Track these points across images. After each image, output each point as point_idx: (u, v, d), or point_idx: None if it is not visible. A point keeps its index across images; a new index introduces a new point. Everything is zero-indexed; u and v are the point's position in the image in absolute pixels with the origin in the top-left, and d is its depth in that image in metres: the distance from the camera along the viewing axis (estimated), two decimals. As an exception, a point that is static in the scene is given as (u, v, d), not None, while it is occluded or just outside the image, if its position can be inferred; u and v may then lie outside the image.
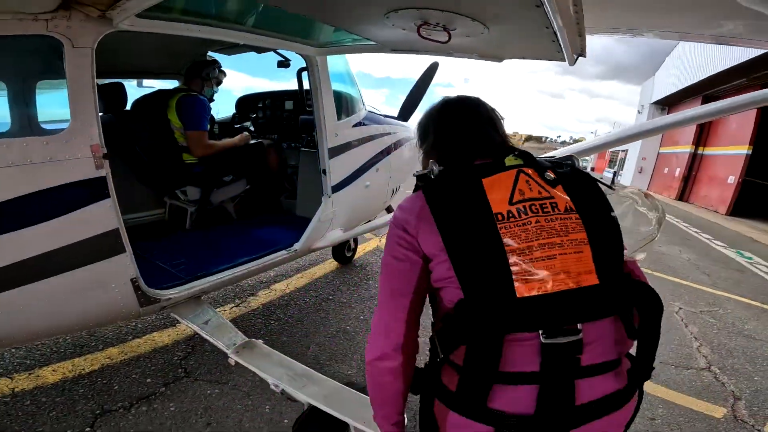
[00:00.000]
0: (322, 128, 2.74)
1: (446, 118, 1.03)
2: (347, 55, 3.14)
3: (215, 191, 3.15)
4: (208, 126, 3.01)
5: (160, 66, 3.46)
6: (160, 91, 2.97)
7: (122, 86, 2.69)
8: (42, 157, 1.47)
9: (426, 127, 1.06)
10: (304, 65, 2.79)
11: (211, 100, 3.10)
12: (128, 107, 2.92)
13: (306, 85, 3.35)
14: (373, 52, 2.50)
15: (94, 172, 1.59)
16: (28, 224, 1.47)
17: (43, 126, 1.62)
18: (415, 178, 0.97)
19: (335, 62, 2.89)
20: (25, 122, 1.66)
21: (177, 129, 2.89)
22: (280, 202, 3.67)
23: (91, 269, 1.67)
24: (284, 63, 3.24)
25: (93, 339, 2.60)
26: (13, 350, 2.38)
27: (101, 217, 1.65)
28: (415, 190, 0.95)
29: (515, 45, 1.91)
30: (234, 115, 3.97)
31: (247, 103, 3.94)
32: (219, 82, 3.13)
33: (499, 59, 2.23)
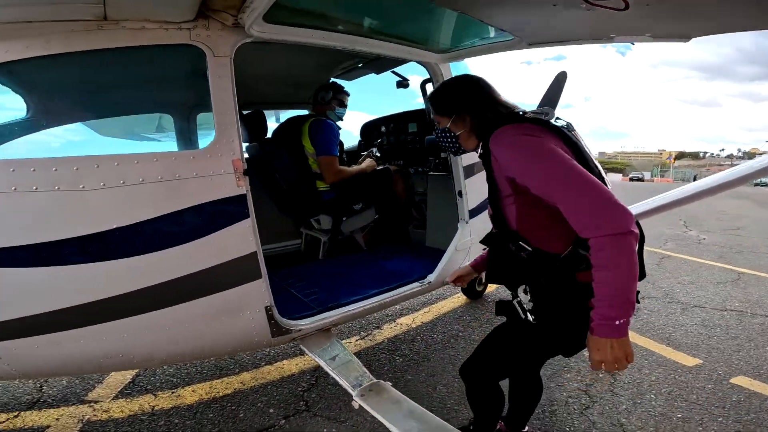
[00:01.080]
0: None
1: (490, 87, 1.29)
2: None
3: (346, 220, 3.07)
4: (338, 151, 2.98)
5: (290, 95, 3.63)
6: (296, 117, 3.06)
7: (263, 114, 2.84)
8: (189, 173, 1.47)
9: (476, 97, 1.27)
10: (427, 77, 2.58)
11: (340, 119, 3.08)
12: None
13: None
14: (503, 51, 2.14)
15: (235, 190, 1.54)
16: (170, 245, 1.45)
17: (191, 139, 1.67)
18: None
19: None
20: (179, 136, 1.74)
21: (310, 155, 2.92)
22: (408, 232, 3.45)
23: (226, 295, 1.59)
24: (403, 83, 3.08)
25: (231, 362, 2.64)
26: (165, 367, 2.52)
27: (240, 238, 1.58)
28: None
29: (723, 11, 1.32)
30: (360, 142, 3.98)
31: (370, 129, 3.92)
32: (343, 104, 3.08)
33: (686, 38, 1.62)
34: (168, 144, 2.73)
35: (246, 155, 2.98)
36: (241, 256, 1.60)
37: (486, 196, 1.22)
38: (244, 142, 2.81)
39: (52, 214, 1.33)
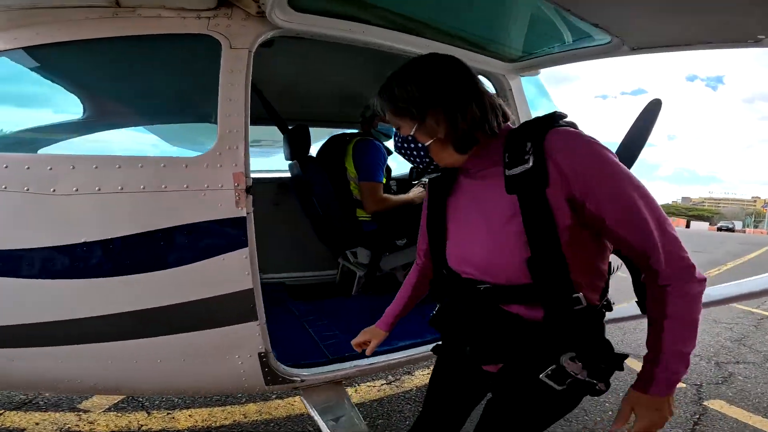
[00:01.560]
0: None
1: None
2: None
3: (386, 256, 2.67)
4: (384, 178, 2.64)
5: (335, 112, 3.37)
6: (341, 136, 2.73)
7: (306, 129, 2.54)
8: (178, 184, 1.19)
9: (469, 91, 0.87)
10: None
11: (387, 137, 2.76)
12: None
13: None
14: (595, 58, 1.68)
15: (232, 210, 1.23)
16: (143, 270, 1.18)
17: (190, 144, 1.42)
18: None
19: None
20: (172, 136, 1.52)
21: (352, 179, 2.59)
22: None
23: (210, 335, 1.27)
24: None
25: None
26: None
27: (233, 272, 1.26)
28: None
29: None
30: (411, 169, 3.61)
31: None
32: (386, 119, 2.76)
33: None
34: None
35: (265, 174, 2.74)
36: (232, 292, 1.27)
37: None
38: (286, 159, 2.55)
39: (20, 218, 1.14)
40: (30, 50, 1.27)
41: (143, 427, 1.99)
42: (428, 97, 0.85)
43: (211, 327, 1.28)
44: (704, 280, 0.79)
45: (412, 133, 0.90)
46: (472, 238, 0.90)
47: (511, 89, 2.02)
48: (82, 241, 1.14)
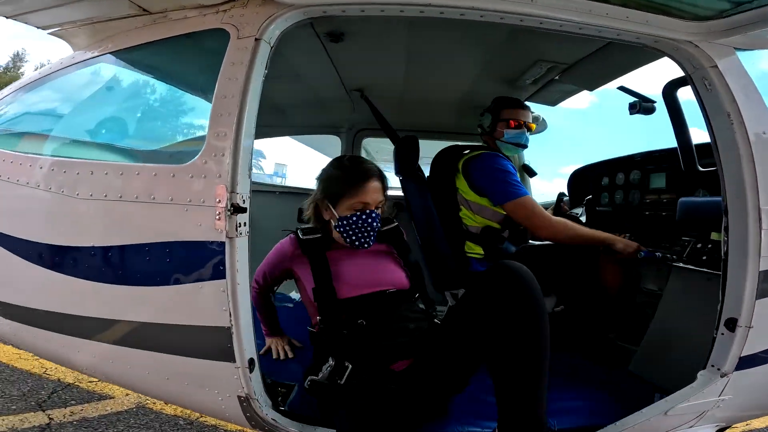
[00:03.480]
0: (750, 220, 1.09)
1: None
2: None
3: None
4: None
5: (456, 123, 2.85)
6: (452, 149, 2.17)
7: (415, 140, 2.17)
8: (164, 196, 1.03)
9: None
10: (678, 77, 1.47)
11: (519, 147, 2.06)
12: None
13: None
14: None
15: (210, 232, 1.00)
16: (132, 282, 1.09)
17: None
18: None
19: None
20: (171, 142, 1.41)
21: (464, 204, 2.05)
22: (604, 342, 1.99)
23: (188, 362, 1.11)
24: (643, 105, 1.85)
25: None
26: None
27: (208, 305, 1.03)
28: None
29: None
30: (560, 196, 2.70)
31: (583, 180, 2.61)
32: (513, 124, 2.01)
33: None
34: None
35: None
36: (207, 326, 1.04)
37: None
38: (398, 173, 2.24)
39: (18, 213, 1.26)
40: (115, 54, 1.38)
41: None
42: None
43: (187, 355, 1.10)
44: None
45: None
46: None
47: (708, 66, 1.14)
48: (89, 245, 1.12)
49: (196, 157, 1.03)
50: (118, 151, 1.29)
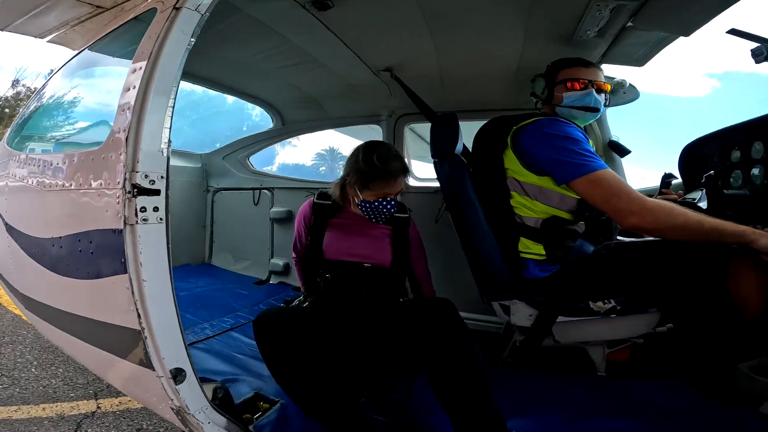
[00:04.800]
0: None
1: None
2: None
3: (570, 322, 1.52)
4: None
5: (502, 99, 2.36)
6: (501, 120, 1.66)
7: (453, 117, 1.75)
8: (78, 182, 0.94)
9: None
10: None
11: (588, 110, 1.54)
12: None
13: None
14: None
15: (111, 220, 0.86)
16: (61, 272, 1.03)
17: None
18: None
19: None
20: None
21: (517, 190, 1.53)
22: (735, 373, 1.34)
23: (118, 361, 1.00)
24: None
25: None
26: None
27: (116, 302, 0.90)
28: None
29: None
30: (666, 178, 1.97)
31: (701, 156, 1.86)
32: (575, 85, 1.52)
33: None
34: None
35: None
36: (121, 327, 0.90)
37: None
38: (432, 157, 1.89)
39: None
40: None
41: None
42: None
43: (117, 355, 0.98)
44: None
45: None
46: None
47: None
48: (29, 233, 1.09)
49: (106, 137, 0.90)
50: (62, 143, 1.27)
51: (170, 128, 0.88)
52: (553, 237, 1.47)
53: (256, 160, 3.17)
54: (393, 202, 1.56)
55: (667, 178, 1.93)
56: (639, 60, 1.93)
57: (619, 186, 1.29)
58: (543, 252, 1.47)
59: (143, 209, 0.83)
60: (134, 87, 0.88)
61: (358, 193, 1.55)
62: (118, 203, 0.83)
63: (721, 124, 1.84)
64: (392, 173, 1.54)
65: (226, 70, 2.24)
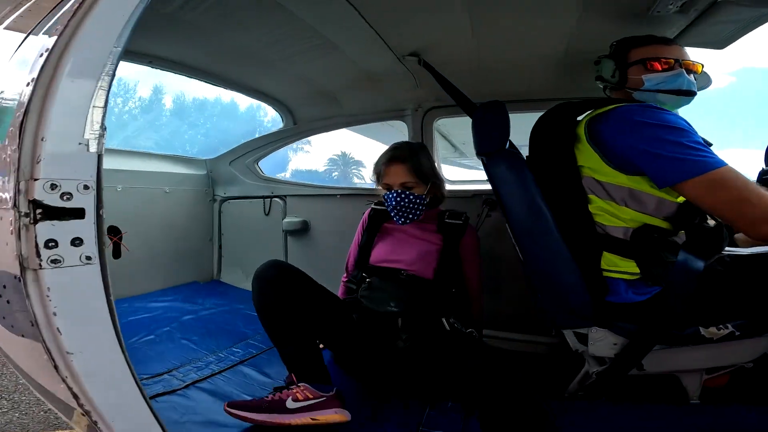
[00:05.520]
0: None
1: None
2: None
3: (665, 349, 1.25)
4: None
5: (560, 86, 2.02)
6: (566, 107, 1.33)
7: (501, 105, 1.42)
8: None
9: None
10: None
11: (678, 94, 1.24)
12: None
13: None
14: None
15: (8, 260, 0.52)
16: None
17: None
18: None
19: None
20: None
21: (597, 192, 1.19)
22: None
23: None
24: None
25: None
26: None
27: (45, 368, 0.56)
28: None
29: None
30: (763, 173, 1.57)
31: None
32: (657, 64, 1.24)
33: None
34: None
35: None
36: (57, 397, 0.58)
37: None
38: (478, 154, 1.53)
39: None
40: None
41: None
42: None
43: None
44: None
45: (425, 194, 1.51)
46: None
47: None
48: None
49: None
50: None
51: (105, 109, 0.54)
52: (648, 251, 1.16)
53: (267, 167, 2.86)
54: (394, 194, 1.48)
55: (764, 174, 1.57)
56: (722, 42, 1.57)
57: (747, 187, 1.00)
58: (636, 270, 1.17)
59: (51, 243, 0.50)
60: (47, 50, 0.54)
61: (381, 189, 1.57)
62: (11, 233, 0.50)
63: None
64: (385, 156, 1.55)
65: (227, 59, 1.93)
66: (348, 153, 40.99)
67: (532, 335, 2.05)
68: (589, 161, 1.19)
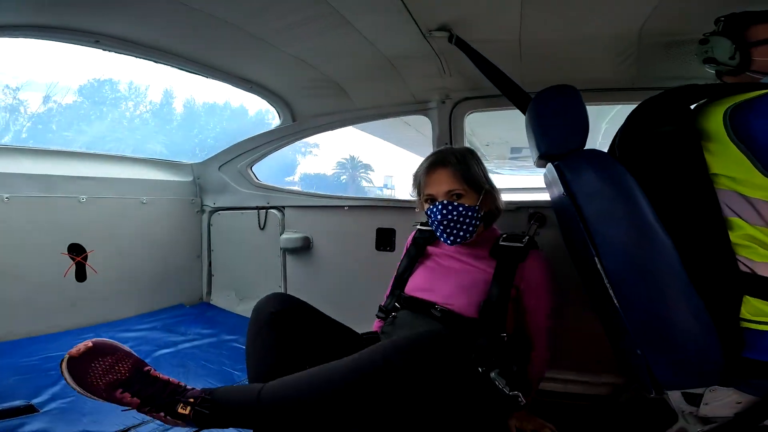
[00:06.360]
0: None
1: None
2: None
3: None
4: None
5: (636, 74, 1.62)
6: (682, 92, 0.96)
7: (577, 95, 1.11)
8: None
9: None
10: None
11: None
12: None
13: None
14: None
15: None
16: None
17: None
18: None
19: None
20: None
21: (741, 213, 0.87)
22: None
23: None
24: None
25: None
26: None
27: None
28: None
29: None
30: None
31: None
32: None
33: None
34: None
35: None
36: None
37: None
38: (542, 157, 1.16)
39: None
40: None
41: None
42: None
43: None
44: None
45: (477, 205, 1.26)
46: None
47: None
48: None
49: None
50: None
51: None
52: None
53: (261, 173, 2.47)
54: (439, 207, 1.24)
55: None
56: None
57: None
58: None
59: None
60: None
61: (422, 204, 1.35)
62: None
63: None
64: (429, 165, 1.31)
65: (209, 39, 1.54)
66: (356, 156, 40.69)
67: (592, 375, 1.68)
68: (731, 168, 0.86)
